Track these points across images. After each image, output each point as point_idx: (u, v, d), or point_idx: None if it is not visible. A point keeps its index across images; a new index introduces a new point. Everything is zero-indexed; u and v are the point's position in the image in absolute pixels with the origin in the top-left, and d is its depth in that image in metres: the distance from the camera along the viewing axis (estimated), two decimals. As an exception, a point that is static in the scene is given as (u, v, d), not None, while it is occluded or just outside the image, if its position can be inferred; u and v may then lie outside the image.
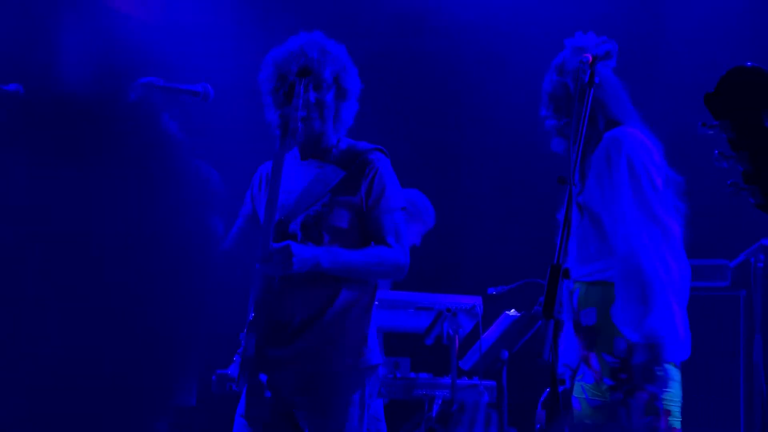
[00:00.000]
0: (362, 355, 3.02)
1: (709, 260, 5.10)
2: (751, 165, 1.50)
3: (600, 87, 2.81)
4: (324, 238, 3.02)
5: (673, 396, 2.83)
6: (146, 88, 3.04)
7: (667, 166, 2.94)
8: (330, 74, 3.06)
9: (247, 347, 2.92)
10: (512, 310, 4.48)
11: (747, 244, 4.56)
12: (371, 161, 3.06)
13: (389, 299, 4.38)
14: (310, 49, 3.04)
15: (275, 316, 2.99)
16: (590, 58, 2.70)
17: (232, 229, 3.25)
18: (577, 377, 2.87)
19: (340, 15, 5.75)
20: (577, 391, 2.86)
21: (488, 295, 4.49)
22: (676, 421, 2.84)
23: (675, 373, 2.84)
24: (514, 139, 5.58)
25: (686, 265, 2.83)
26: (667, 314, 2.72)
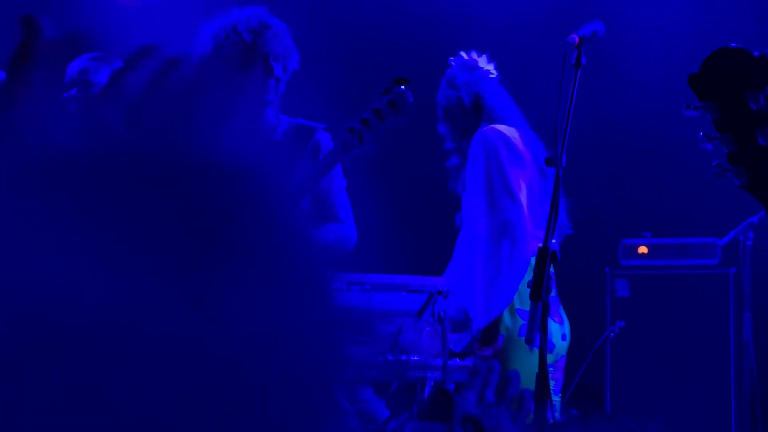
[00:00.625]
0: None
1: (698, 238, 5.12)
2: (735, 146, 1.50)
3: (485, 94, 3.01)
4: None
5: None
6: None
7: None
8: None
9: None
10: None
11: (736, 222, 4.58)
12: (324, 140, 3.09)
13: (381, 282, 4.38)
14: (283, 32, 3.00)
15: None
16: (577, 39, 2.70)
17: None
18: None
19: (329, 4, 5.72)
20: None
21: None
22: None
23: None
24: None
25: (524, 259, 2.95)
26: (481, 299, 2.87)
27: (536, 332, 2.11)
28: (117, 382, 0.34)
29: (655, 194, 5.48)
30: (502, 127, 3.02)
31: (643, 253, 5.21)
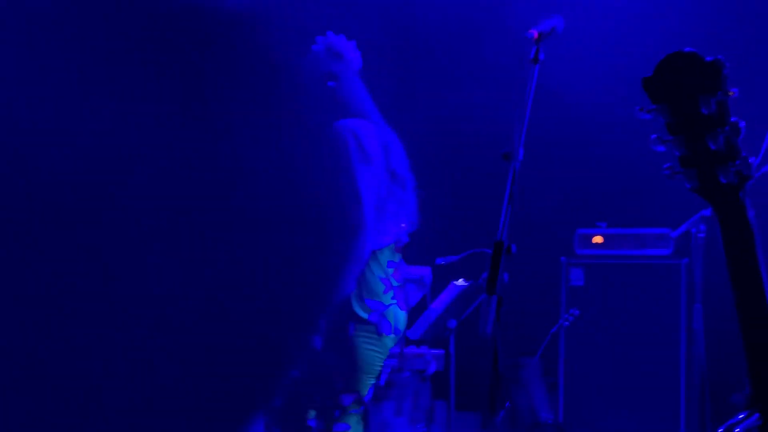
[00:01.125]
0: None
1: (652, 229, 5.19)
2: (687, 149, 1.53)
3: (344, 86, 3.08)
4: None
5: None
6: None
7: (406, 160, 3.21)
8: None
9: None
10: (460, 280, 4.53)
11: (689, 214, 4.65)
12: None
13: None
14: None
15: None
16: (535, 34, 2.71)
17: None
18: None
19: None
20: None
21: (437, 265, 4.53)
22: None
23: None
24: (460, 111, 5.60)
25: (364, 252, 3.13)
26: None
27: (490, 324, 2.15)
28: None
29: (611, 185, 5.54)
30: (354, 123, 3.10)
31: (598, 243, 5.28)
